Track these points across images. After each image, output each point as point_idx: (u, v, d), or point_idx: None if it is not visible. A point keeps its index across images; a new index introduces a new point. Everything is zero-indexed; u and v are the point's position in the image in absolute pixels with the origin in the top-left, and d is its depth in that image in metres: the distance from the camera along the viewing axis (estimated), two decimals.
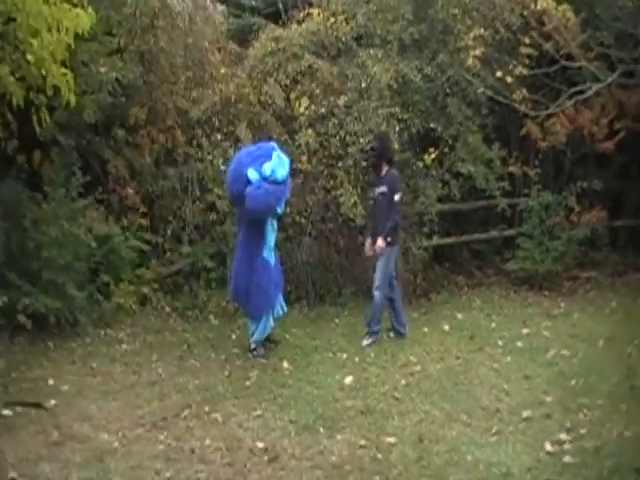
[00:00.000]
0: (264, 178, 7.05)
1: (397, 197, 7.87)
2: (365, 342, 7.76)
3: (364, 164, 9.30)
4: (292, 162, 9.27)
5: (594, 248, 11.35)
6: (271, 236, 7.40)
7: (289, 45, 9.72)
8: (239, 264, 7.43)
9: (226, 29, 10.77)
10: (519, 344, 7.64)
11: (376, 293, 7.84)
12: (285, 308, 7.76)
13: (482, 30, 9.49)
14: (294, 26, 10.14)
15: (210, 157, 9.24)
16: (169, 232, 9.25)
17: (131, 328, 8.10)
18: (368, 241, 8.13)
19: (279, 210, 7.39)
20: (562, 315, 9.09)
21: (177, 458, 4.92)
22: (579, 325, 8.51)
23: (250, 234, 7.38)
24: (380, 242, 7.74)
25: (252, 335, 7.37)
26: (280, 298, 7.62)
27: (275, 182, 7.12)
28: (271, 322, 7.45)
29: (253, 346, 7.35)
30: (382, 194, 7.93)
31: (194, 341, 7.80)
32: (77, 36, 6.55)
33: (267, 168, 7.07)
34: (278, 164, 7.18)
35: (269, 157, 7.19)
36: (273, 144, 7.68)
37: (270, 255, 7.38)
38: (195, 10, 9.60)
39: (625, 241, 12.23)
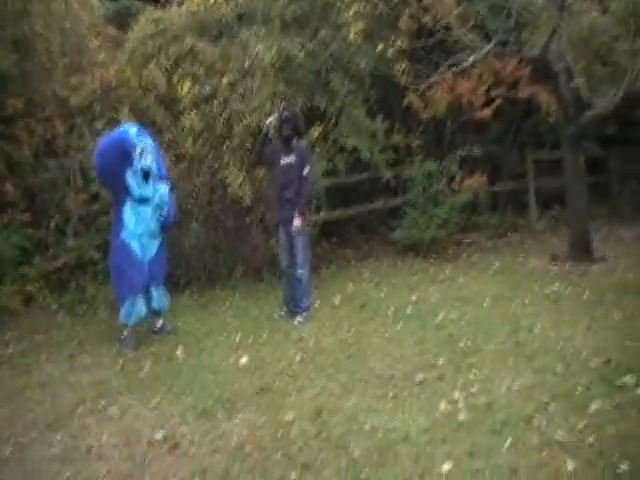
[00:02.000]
0: None
1: (307, 170, 7.80)
2: (299, 319, 7.72)
3: (248, 145, 9.27)
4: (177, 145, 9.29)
5: (476, 212, 11.78)
6: (133, 222, 7.20)
7: (170, 27, 9.58)
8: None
9: (103, 13, 10.49)
10: (408, 311, 7.82)
11: (301, 271, 7.79)
12: (166, 302, 7.62)
13: (362, 5, 9.56)
14: (174, 8, 9.98)
15: (92, 146, 8.94)
16: (52, 226, 8.99)
17: (17, 329, 7.85)
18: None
19: (132, 187, 7.17)
20: (448, 279, 9.35)
21: (74, 458, 4.79)
22: (465, 288, 8.79)
23: (113, 213, 7.49)
24: (297, 221, 7.69)
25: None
26: (157, 290, 7.48)
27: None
28: (140, 309, 7.21)
29: (123, 335, 7.25)
30: (290, 165, 7.80)
31: (84, 337, 7.60)
32: None
33: None
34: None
35: None
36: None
37: (132, 239, 7.19)
38: None
39: (505, 204, 12.76)
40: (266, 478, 4.38)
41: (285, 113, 7.98)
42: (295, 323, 7.70)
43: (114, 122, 9.12)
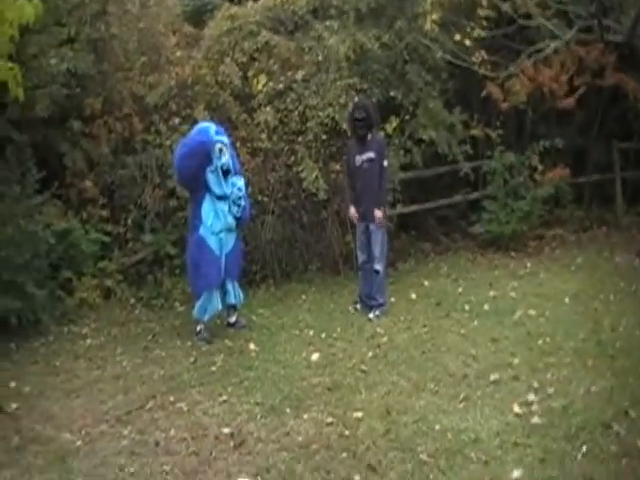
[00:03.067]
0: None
1: (386, 163, 7.78)
2: (373, 315, 7.66)
3: (324, 137, 9.24)
4: (252, 140, 9.33)
5: (559, 206, 11.41)
6: (212, 218, 7.24)
7: (245, 23, 9.62)
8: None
9: (181, 11, 10.63)
10: (486, 307, 7.65)
11: (378, 267, 7.71)
12: (241, 297, 7.63)
13: None
14: (250, 3, 10.04)
15: (169, 142, 9.07)
16: (130, 222, 9.13)
17: (95, 323, 8.01)
18: (352, 209, 8.00)
19: (211, 185, 7.23)
20: (528, 275, 9.11)
21: (141, 452, 4.84)
22: (545, 284, 8.54)
23: (191, 209, 7.54)
24: (379, 213, 7.64)
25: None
26: (232, 286, 7.49)
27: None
28: (216, 304, 7.28)
29: (197, 328, 7.33)
30: (370, 160, 7.71)
31: (159, 330, 7.71)
32: (25, 28, 6.39)
33: None
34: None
35: None
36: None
37: (210, 235, 7.22)
38: None
39: (589, 197, 12.35)
40: (330, 478, 4.32)
41: (357, 112, 7.79)
42: (370, 317, 7.63)
43: (190, 119, 9.22)
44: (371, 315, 7.67)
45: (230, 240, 7.43)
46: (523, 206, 10.41)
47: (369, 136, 7.77)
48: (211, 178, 7.23)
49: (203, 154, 7.16)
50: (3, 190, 8.03)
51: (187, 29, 10.64)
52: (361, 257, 8.01)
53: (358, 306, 8.04)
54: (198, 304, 7.26)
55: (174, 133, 9.16)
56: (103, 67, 9.35)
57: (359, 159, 7.79)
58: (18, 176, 8.21)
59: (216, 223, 7.27)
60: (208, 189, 7.25)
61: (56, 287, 8.08)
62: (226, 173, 7.31)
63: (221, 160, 7.23)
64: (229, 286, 7.46)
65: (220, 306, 7.34)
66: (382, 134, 8.22)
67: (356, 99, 8.52)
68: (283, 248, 9.38)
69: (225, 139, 7.40)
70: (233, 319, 7.66)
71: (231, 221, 7.39)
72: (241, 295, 7.64)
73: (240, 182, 7.51)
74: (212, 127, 7.37)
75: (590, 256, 9.87)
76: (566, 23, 10.33)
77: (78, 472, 4.62)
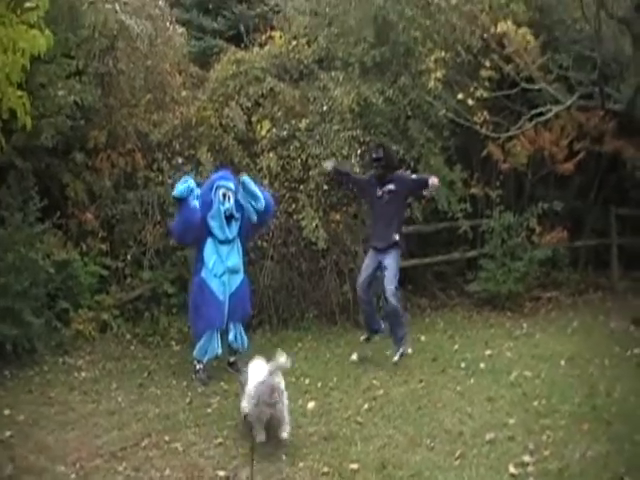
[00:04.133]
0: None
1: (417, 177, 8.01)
2: (397, 358, 7.71)
3: (325, 187, 9.31)
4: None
5: (555, 268, 11.49)
6: (213, 260, 7.32)
7: (251, 68, 9.74)
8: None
9: (187, 52, 10.74)
10: (482, 365, 7.64)
11: (392, 299, 7.67)
12: (245, 340, 7.60)
13: (443, 53, 9.64)
14: (256, 49, 10.20)
15: (171, 181, 9.07)
16: (129, 257, 9.15)
17: (90, 355, 7.97)
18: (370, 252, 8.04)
19: (213, 228, 7.31)
20: (524, 335, 9.13)
21: None
22: (541, 345, 8.55)
23: (195, 253, 7.61)
24: (434, 180, 7.64)
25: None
26: (234, 328, 7.49)
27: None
28: (216, 347, 7.28)
29: (197, 367, 7.32)
30: (390, 192, 7.77)
31: (155, 368, 7.68)
32: (34, 58, 6.43)
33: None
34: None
35: None
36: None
37: (212, 278, 7.29)
38: (155, 32, 9.52)
39: (585, 261, 12.44)
40: None
41: (375, 152, 7.95)
42: (395, 360, 7.67)
43: (193, 159, 9.30)
44: (395, 358, 7.70)
45: (234, 282, 7.45)
46: (520, 267, 10.48)
47: (388, 176, 7.84)
48: (212, 224, 7.31)
49: (194, 222, 7.30)
50: (5, 216, 8.04)
51: (193, 69, 10.75)
52: (361, 286, 7.99)
53: (363, 338, 8.22)
54: (199, 345, 7.27)
55: (177, 172, 9.21)
56: (109, 101, 9.44)
57: (380, 191, 7.84)
58: (20, 203, 8.22)
59: (218, 266, 7.32)
60: (210, 233, 7.33)
61: (53, 317, 8.04)
62: (229, 218, 7.37)
63: (224, 205, 7.32)
64: (230, 327, 7.45)
65: (220, 350, 7.33)
66: (401, 171, 8.18)
67: (374, 143, 8.65)
68: (281, 294, 9.39)
69: (231, 184, 7.44)
70: (232, 359, 7.63)
71: (234, 263, 7.44)
72: (244, 340, 7.61)
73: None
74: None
75: (585, 320, 9.91)
76: (567, 88, 10.54)
77: None
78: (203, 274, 7.30)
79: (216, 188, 7.34)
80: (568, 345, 8.47)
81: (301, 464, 5.20)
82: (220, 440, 5.65)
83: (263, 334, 9.03)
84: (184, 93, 10.07)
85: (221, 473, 5.05)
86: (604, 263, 12.53)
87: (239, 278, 7.52)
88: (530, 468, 5.01)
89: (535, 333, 9.21)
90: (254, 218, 7.58)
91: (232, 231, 7.42)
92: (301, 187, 9.47)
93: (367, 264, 8.00)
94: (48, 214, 8.48)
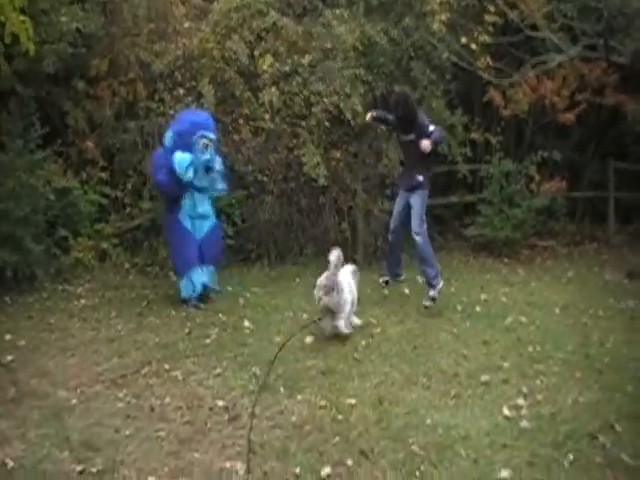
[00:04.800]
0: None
1: (432, 128, 7.56)
2: (427, 302, 7.59)
3: (327, 124, 9.26)
4: (254, 119, 9.31)
5: (552, 218, 11.55)
6: (191, 207, 7.45)
7: (254, 1, 9.61)
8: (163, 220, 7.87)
9: None
10: (478, 309, 7.73)
11: (418, 238, 7.64)
12: (216, 286, 7.77)
13: None
14: None
15: (172, 112, 9.04)
16: (129, 187, 9.14)
17: (89, 283, 8.04)
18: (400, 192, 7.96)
19: (194, 181, 7.36)
20: (520, 282, 9.23)
21: (137, 416, 4.86)
22: (536, 293, 8.66)
23: (168, 198, 7.63)
24: (425, 143, 7.32)
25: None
26: (208, 269, 7.61)
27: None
28: (196, 285, 7.45)
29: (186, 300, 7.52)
30: (410, 141, 7.58)
31: (154, 298, 7.75)
32: None
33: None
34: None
35: None
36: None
37: (186, 219, 7.43)
38: None
39: (582, 212, 12.51)
40: (323, 460, 4.35)
41: (396, 111, 7.62)
42: (426, 304, 7.56)
43: (195, 91, 9.20)
44: (427, 303, 7.57)
45: (205, 226, 7.58)
46: (518, 214, 10.53)
47: (408, 126, 7.61)
48: (191, 172, 7.34)
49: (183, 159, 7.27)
50: (6, 142, 7.99)
51: (196, 1, 10.57)
52: (392, 224, 7.94)
53: (383, 280, 8.12)
54: (183, 287, 7.44)
55: (178, 103, 9.13)
56: (111, 30, 9.31)
57: (404, 137, 7.71)
58: (21, 130, 8.18)
59: (191, 210, 7.46)
60: (189, 184, 7.39)
61: (52, 244, 8.08)
62: (207, 169, 7.45)
63: (205, 156, 7.34)
64: (203, 269, 7.56)
65: (203, 279, 7.51)
66: (424, 117, 7.70)
67: (396, 94, 8.00)
68: (280, 229, 9.44)
69: (212, 135, 7.45)
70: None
71: (205, 209, 7.58)
72: (214, 281, 7.73)
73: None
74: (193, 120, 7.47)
75: (580, 270, 10.03)
76: (571, 38, 10.44)
77: (73, 430, 4.62)
78: (179, 215, 7.42)
79: (199, 136, 7.32)
80: (563, 294, 8.59)
81: (299, 397, 5.27)
82: (219, 370, 5.72)
83: (261, 268, 9.11)
84: (187, 24, 9.91)
85: (220, 403, 5.11)
86: (601, 216, 12.60)
87: (209, 223, 7.64)
88: (523, 411, 5.09)
89: (530, 281, 9.32)
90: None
91: (207, 181, 7.51)
92: (303, 123, 9.42)
93: (397, 204, 7.98)
94: (49, 141, 8.48)
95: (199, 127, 7.36)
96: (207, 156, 7.34)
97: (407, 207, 7.76)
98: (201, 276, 7.46)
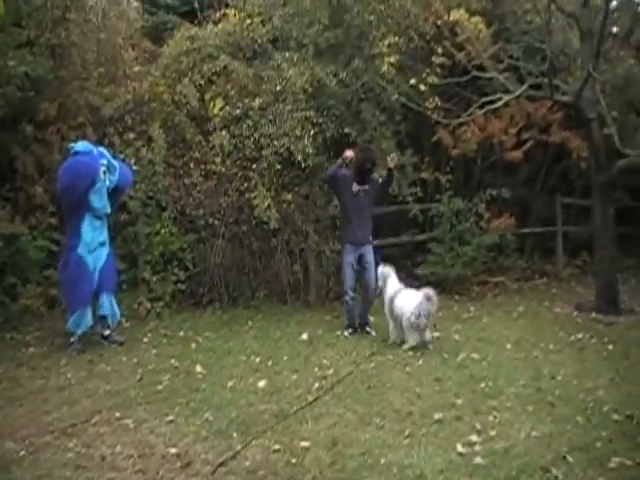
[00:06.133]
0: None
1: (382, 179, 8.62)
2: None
3: (278, 167, 9.31)
4: (205, 163, 9.34)
5: (502, 254, 11.71)
6: (90, 234, 7.54)
7: (204, 45, 9.68)
8: (61, 258, 7.82)
9: (140, 26, 10.62)
10: (430, 347, 7.75)
11: (374, 288, 8.32)
12: (117, 312, 7.83)
13: (397, 38, 9.65)
14: (210, 26, 10.13)
15: (122, 156, 9.02)
16: None
17: (39, 331, 7.94)
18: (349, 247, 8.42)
19: (93, 202, 7.50)
20: (472, 319, 9.32)
21: (87, 466, 4.75)
22: (488, 329, 8.73)
23: (68, 228, 7.69)
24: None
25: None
26: (107, 298, 7.67)
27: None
28: (88, 319, 7.49)
29: (71, 340, 7.48)
30: (365, 191, 8.34)
31: (104, 345, 7.65)
32: None
33: None
34: None
35: None
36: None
37: (86, 252, 7.50)
38: (109, 5, 9.44)
39: (532, 247, 12.72)
40: None
41: (368, 164, 8.32)
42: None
43: (145, 135, 9.19)
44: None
45: (103, 254, 7.68)
46: (468, 251, 10.66)
47: (367, 177, 8.38)
48: (93, 198, 7.49)
49: (89, 178, 7.43)
50: None
51: (146, 44, 10.65)
52: (349, 282, 8.40)
53: (347, 332, 8.34)
54: (72, 319, 7.43)
55: (128, 147, 9.12)
56: (60, 73, 9.31)
57: (356, 187, 8.31)
58: None
59: (94, 240, 7.54)
60: (89, 208, 7.50)
61: (0, 292, 7.91)
62: (109, 193, 7.67)
63: (106, 182, 7.56)
64: (103, 299, 7.64)
65: (92, 322, 7.56)
66: (376, 175, 8.71)
67: (364, 149, 8.78)
68: (231, 273, 9.42)
69: (105, 161, 7.63)
70: (107, 332, 7.80)
71: (105, 237, 7.73)
72: (117, 310, 7.80)
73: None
74: (93, 149, 7.62)
75: (531, 305, 10.15)
76: (517, 78, 10.67)
77: None
78: (79, 250, 7.48)
79: (100, 165, 7.51)
80: (514, 329, 8.68)
81: (253, 442, 5.22)
82: (171, 417, 5.64)
83: (213, 312, 9.06)
84: (137, 68, 9.98)
85: (172, 450, 5.03)
86: (549, 250, 12.85)
87: (106, 250, 7.74)
88: (477, 447, 5.09)
89: (482, 316, 9.42)
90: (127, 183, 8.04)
91: (107, 203, 7.66)
92: (253, 166, 9.47)
93: (349, 261, 8.35)
94: None
95: (99, 158, 7.60)
96: (107, 182, 7.61)
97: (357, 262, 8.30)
98: (92, 315, 7.52)
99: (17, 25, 8.78)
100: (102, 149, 7.87)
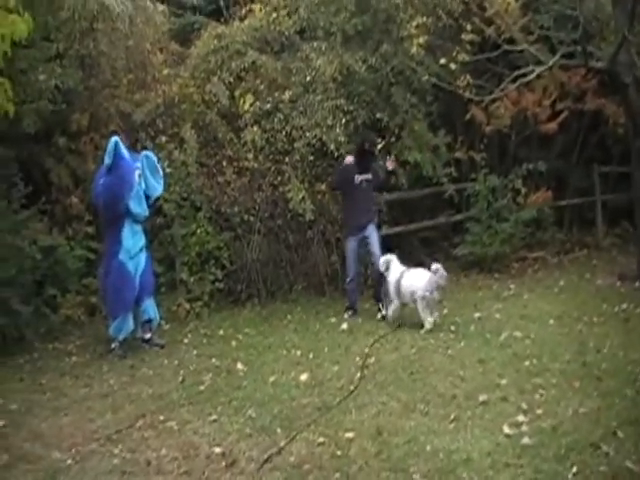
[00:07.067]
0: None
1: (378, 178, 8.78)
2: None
3: (311, 158, 9.29)
4: (238, 160, 9.34)
5: (541, 228, 11.57)
6: (130, 240, 7.55)
7: (232, 42, 9.68)
8: (101, 265, 7.84)
9: (167, 29, 10.65)
10: (472, 328, 7.70)
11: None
12: (157, 315, 7.87)
13: (424, 18, 9.56)
14: (236, 23, 10.16)
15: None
16: None
17: (80, 340, 8.01)
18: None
19: (132, 208, 7.49)
20: (512, 297, 9.22)
21: (133, 471, 4.78)
22: (529, 305, 8.63)
23: (108, 236, 7.69)
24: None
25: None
26: (149, 302, 7.71)
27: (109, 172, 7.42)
28: (129, 325, 7.52)
29: (112, 345, 7.54)
30: (367, 181, 8.55)
31: (146, 349, 7.71)
32: (14, 43, 6.37)
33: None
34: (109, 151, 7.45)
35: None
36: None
37: (127, 259, 7.50)
38: (135, 11, 9.43)
39: (570, 220, 12.52)
40: None
41: (368, 146, 8.54)
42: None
43: (177, 137, 9.22)
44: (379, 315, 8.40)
45: (142, 259, 7.69)
46: (506, 228, 10.54)
47: (369, 166, 8.54)
48: (132, 204, 7.48)
49: (128, 185, 7.43)
50: None
51: (174, 47, 10.67)
52: (354, 269, 8.61)
53: (346, 315, 8.47)
54: (114, 324, 7.46)
55: (161, 151, 9.15)
56: (90, 83, 9.38)
57: (358, 178, 8.45)
58: (4, 191, 8.19)
59: (134, 246, 7.55)
60: (129, 213, 7.49)
61: (41, 304, 8.04)
62: (147, 197, 7.68)
63: (142, 186, 7.57)
64: (146, 303, 7.67)
65: (133, 326, 7.59)
66: (378, 163, 8.92)
67: (364, 133, 9.14)
68: (268, 267, 9.42)
69: (139, 164, 7.64)
70: (148, 335, 7.81)
71: (144, 241, 7.73)
72: (156, 312, 7.84)
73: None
74: (123, 148, 7.56)
75: (572, 278, 10.02)
76: (549, 48, 10.49)
77: None
78: (121, 256, 7.48)
79: (134, 169, 7.51)
80: (556, 304, 8.57)
81: (297, 436, 5.21)
82: (214, 417, 5.65)
83: (252, 308, 9.08)
84: (166, 71, 10.02)
85: (217, 450, 5.03)
86: (589, 221, 12.65)
87: (145, 255, 7.76)
88: (524, 427, 5.02)
89: (523, 293, 9.30)
90: (154, 194, 7.89)
91: (145, 208, 7.68)
92: (286, 159, 9.46)
93: (352, 248, 8.61)
94: (33, 200, 8.47)
95: (134, 162, 7.61)
96: (143, 185, 7.63)
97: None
98: (133, 320, 7.56)
99: (46, 39, 8.86)
100: (149, 153, 7.96)
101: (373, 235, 8.55)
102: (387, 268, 8.15)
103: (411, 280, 7.87)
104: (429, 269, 7.89)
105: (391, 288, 8.07)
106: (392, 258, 8.20)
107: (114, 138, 7.48)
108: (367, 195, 8.60)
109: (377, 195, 9.25)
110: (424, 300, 7.71)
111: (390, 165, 8.90)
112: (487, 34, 10.22)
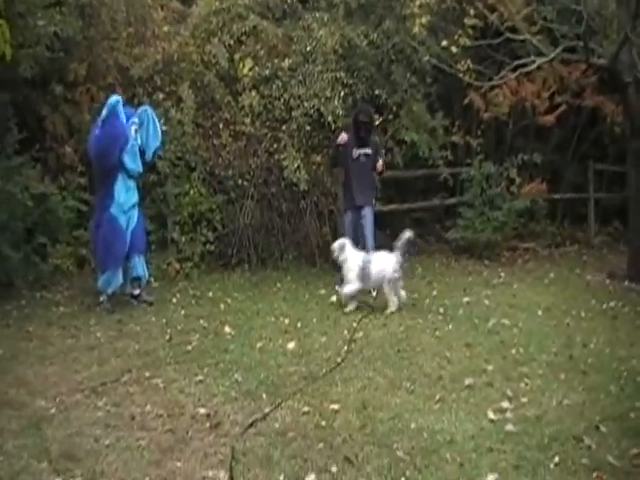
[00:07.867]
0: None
1: (380, 163, 8.45)
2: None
3: (308, 128, 9.23)
4: (234, 123, 9.25)
5: (533, 219, 11.62)
6: (123, 195, 7.52)
7: (234, 5, 9.56)
8: (92, 218, 7.83)
9: None
10: (460, 312, 7.71)
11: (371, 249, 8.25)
12: (147, 273, 7.87)
13: None
14: None
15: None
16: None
17: (68, 290, 7.97)
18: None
19: (127, 164, 7.48)
20: (502, 284, 9.24)
21: (117, 425, 4.76)
22: (519, 295, 8.65)
23: (100, 189, 7.65)
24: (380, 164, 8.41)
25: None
26: (138, 260, 7.70)
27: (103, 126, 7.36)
28: (118, 279, 7.52)
29: (100, 299, 7.52)
30: (366, 155, 8.34)
31: (133, 304, 7.67)
32: None
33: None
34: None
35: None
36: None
37: (119, 213, 7.47)
38: None
39: (563, 214, 12.57)
40: (307, 467, 4.27)
41: (362, 116, 8.30)
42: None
43: (174, 95, 9.12)
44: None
45: (135, 216, 7.68)
46: (499, 216, 10.57)
47: (367, 139, 8.31)
48: (126, 159, 7.46)
49: (123, 138, 7.39)
50: None
51: (175, 5, 10.53)
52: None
53: (337, 287, 8.26)
54: (103, 278, 7.46)
55: (157, 108, 9.04)
56: (89, 34, 9.23)
57: (356, 152, 8.28)
58: None
59: (127, 201, 7.52)
60: (123, 168, 7.47)
61: (30, 251, 7.99)
62: (142, 152, 7.66)
63: (138, 141, 7.54)
64: (135, 260, 7.66)
65: (122, 280, 7.58)
66: (377, 137, 8.73)
67: (360, 104, 8.95)
68: (260, 234, 9.40)
69: (137, 119, 7.60)
70: (137, 291, 7.82)
71: (137, 197, 7.71)
72: (146, 270, 7.82)
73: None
74: (122, 111, 7.49)
75: (562, 271, 10.07)
76: (551, 41, 10.45)
77: (53, 440, 4.52)
78: (113, 210, 7.45)
79: (130, 124, 7.48)
80: (545, 295, 8.60)
81: (282, 403, 5.19)
82: (200, 377, 5.64)
83: (242, 273, 9.06)
84: (166, 28, 9.88)
85: (202, 410, 5.02)
86: (581, 217, 12.72)
87: (137, 212, 7.75)
88: (508, 414, 5.03)
89: (512, 282, 9.34)
90: (149, 153, 7.84)
91: (140, 164, 7.67)
92: (283, 127, 9.40)
93: (348, 225, 8.50)
94: (26, 147, 8.36)
95: (130, 116, 7.60)
96: (139, 140, 7.62)
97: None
98: (122, 274, 7.55)
99: None
100: (147, 108, 7.92)
101: (368, 217, 8.41)
102: (342, 251, 7.89)
103: (381, 265, 7.73)
104: (390, 251, 7.86)
105: (352, 274, 7.76)
106: (346, 242, 7.99)
107: (116, 98, 7.40)
108: (365, 171, 8.41)
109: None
110: (391, 282, 7.69)
111: (379, 168, 8.49)
112: (490, 20, 10.16)
